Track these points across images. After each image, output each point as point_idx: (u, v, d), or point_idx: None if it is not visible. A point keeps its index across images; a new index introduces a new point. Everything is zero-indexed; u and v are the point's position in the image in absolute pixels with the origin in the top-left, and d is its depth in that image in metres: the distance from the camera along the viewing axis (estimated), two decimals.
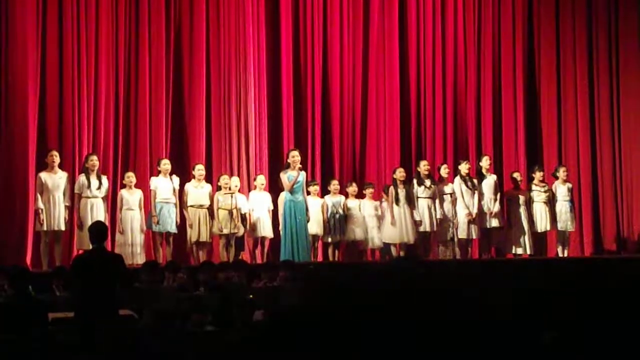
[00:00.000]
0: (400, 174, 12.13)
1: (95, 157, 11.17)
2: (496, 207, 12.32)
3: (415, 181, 12.16)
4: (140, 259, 11.00)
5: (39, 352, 6.13)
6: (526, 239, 12.36)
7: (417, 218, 12.00)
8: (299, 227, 11.24)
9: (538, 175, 12.69)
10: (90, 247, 7.46)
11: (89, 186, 10.97)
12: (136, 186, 11.38)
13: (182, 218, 11.49)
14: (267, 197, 11.91)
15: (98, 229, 7.34)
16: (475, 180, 12.33)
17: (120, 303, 7.68)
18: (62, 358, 6.21)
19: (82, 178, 11.04)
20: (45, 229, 10.82)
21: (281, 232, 11.41)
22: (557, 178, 12.78)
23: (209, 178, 11.90)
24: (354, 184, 12.32)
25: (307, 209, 11.41)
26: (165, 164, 11.49)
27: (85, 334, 6.62)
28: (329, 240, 11.99)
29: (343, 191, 12.25)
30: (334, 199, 12.07)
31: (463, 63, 13.76)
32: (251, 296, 8.41)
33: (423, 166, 12.27)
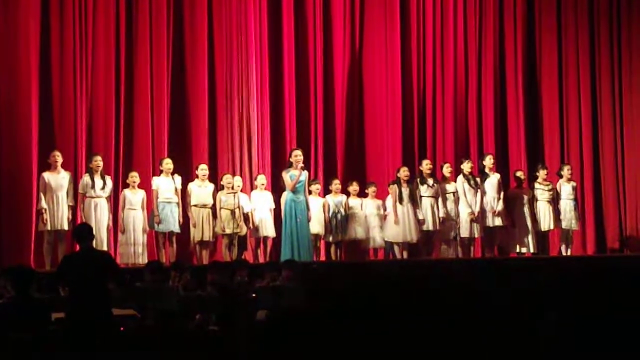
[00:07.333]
0: (404, 173, 12.12)
1: (99, 157, 11.17)
2: (499, 206, 12.30)
3: (417, 180, 12.16)
4: (142, 259, 11.02)
5: (41, 351, 6.14)
6: (529, 238, 12.35)
7: (420, 217, 12.00)
8: (300, 227, 11.23)
9: (542, 173, 12.66)
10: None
11: (93, 186, 10.98)
12: (139, 186, 11.38)
13: (185, 217, 11.49)
14: (268, 196, 11.90)
15: (81, 231, 7.36)
16: (478, 179, 12.32)
17: (119, 301, 7.70)
18: (63, 358, 6.21)
19: (86, 178, 11.05)
20: (49, 228, 10.83)
21: (282, 232, 11.42)
22: (561, 177, 12.75)
23: (211, 177, 11.90)
24: (355, 183, 12.31)
25: (308, 209, 11.40)
26: (167, 164, 11.49)
27: (78, 334, 6.64)
28: (331, 239, 11.99)
29: (345, 190, 12.25)
30: (335, 198, 12.06)
31: (464, 61, 13.75)
32: (254, 295, 8.41)
33: (425, 165, 12.27)
